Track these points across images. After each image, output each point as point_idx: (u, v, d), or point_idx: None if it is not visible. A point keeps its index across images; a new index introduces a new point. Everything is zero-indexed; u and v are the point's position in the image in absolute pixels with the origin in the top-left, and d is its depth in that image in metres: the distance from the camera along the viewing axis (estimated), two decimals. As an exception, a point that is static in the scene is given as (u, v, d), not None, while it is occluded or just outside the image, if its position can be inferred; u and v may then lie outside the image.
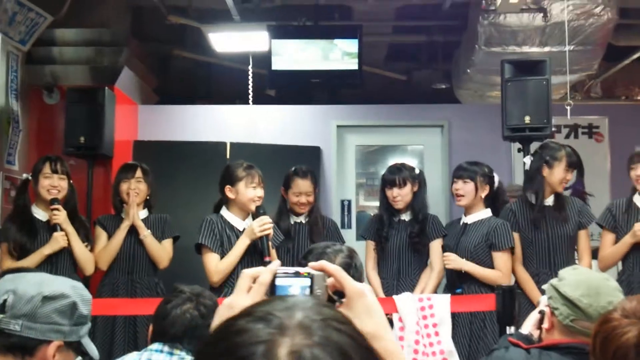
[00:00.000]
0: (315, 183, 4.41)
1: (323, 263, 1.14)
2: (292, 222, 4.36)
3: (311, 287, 1.11)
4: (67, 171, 4.20)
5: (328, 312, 0.84)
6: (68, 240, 4.08)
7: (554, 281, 2.24)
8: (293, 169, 4.41)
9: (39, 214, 4.13)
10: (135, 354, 2.25)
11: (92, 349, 1.76)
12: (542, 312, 2.29)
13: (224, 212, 3.90)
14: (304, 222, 4.38)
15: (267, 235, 3.69)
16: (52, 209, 4.07)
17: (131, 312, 4.08)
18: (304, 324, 0.79)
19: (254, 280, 1.10)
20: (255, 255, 3.78)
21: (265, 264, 3.68)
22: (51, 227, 4.09)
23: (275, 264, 1.13)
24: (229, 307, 1.07)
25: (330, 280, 1.13)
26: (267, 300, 0.90)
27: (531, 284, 4.07)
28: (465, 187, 4.12)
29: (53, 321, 1.60)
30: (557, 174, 4.11)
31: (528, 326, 2.36)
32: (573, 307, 2.13)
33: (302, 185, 4.30)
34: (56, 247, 4.03)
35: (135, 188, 4.31)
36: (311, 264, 1.14)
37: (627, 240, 3.99)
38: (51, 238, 4.04)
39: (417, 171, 4.40)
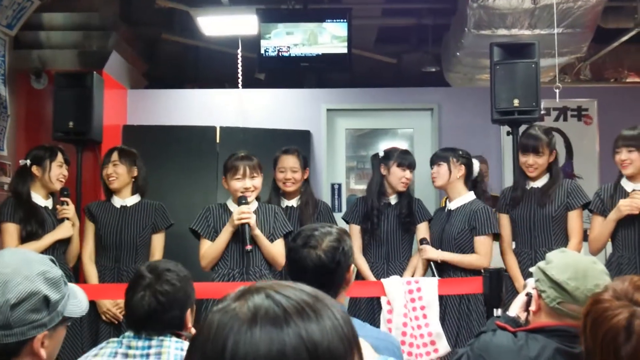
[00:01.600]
0: (304, 163, 4.43)
1: None
2: (284, 206, 4.37)
3: None
4: (69, 163, 4.32)
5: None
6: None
7: (541, 264, 2.25)
8: (282, 148, 4.48)
9: (38, 199, 4.14)
10: (116, 340, 2.26)
11: (79, 309, 1.70)
12: (529, 295, 2.31)
13: (228, 200, 4.02)
14: (295, 205, 4.39)
15: (249, 225, 3.76)
16: (62, 202, 4.18)
17: (116, 297, 4.07)
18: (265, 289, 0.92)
19: None
20: (243, 242, 3.83)
21: (246, 252, 3.75)
22: (58, 218, 4.16)
23: None
24: None
25: None
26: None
27: (517, 271, 4.12)
28: (440, 170, 4.23)
29: (29, 321, 1.53)
30: (520, 158, 4.21)
31: (515, 309, 2.38)
32: (560, 290, 2.14)
33: (286, 160, 4.36)
34: (67, 234, 4.14)
35: (112, 172, 4.26)
36: None
37: (611, 217, 4.00)
38: (62, 225, 4.14)
39: None
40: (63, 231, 4.12)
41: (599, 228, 4.09)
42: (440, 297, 3.87)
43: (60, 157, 4.18)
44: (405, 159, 4.37)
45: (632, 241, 3.99)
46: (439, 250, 4.11)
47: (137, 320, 2.26)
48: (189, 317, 2.34)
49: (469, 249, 4.10)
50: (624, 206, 3.91)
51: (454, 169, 4.19)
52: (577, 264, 2.18)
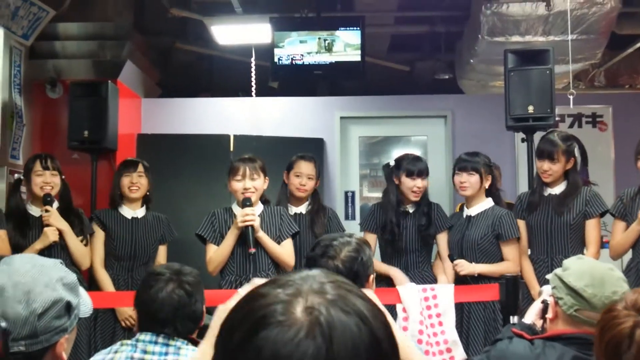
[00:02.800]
0: (318, 172, 4.39)
1: None
2: (293, 213, 4.36)
3: None
4: (58, 167, 4.22)
5: (339, 278, 0.94)
6: (62, 236, 4.11)
7: (558, 271, 2.24)
8: (298, 154, 4.43)
9: (33, 210, 4.15)
10: (129, 343, 2.22)
11: (87, 308, 1.71)
12: (545, 302, 2.29)
13: (233, 204, 4.01)
14: (304, 212, 4.37)
15: (252, 227, 3.73)
16: (43, 210, 4.09)
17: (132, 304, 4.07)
18: (317, 287, 0.89)
19: None
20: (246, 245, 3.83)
21: (249, 255, 3.74)
22: (45, 224, 4.10)
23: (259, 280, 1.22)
24: (224, 311, 1.18)
25: None
26: (286, 273, 0.99)
27: (533, 278, 4.09)
28: (471, 179, 4.12)
29: (54, 327, 1.53)
30: (536, 163, 4.16)
31: (531, 316, 2.36)
32: (577, 296, 2.13)
33: (304, 166, 4.30)
34: (47, 242, 4.05)
35: (137, 182, 4.31)
36: None
37: (634, 227, 3.93)
38: (42, 233, 4.06)
39: None
40: (42, 240, 4.04)
41: (622, 235, 4.04)
42: (464, 305, 3.85)
43: (37, 165, 4.13)
44: (413, 167, 4.23)
45: None
46: (472, 263, 4.04)
47: (166, 316, 2.21)
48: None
49: (492, 254, 4.05)
50: None
51: (485, 179, 4.14)
52: (594, 271, 2.16)
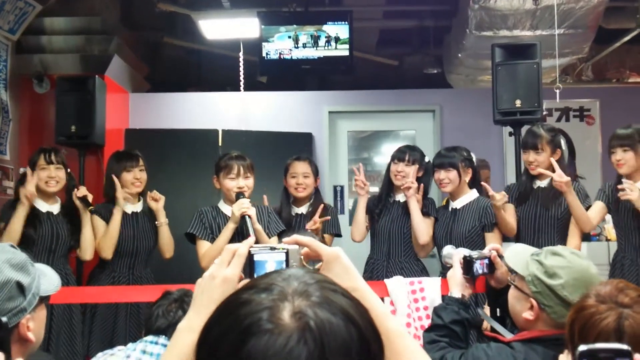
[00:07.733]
0: (315, 170, 4.40)
1: (295, 237, 1.25)
2: (294, 214, 4.37)
3: (287, 260, 1.22)
4: (63, 161, 4.19)
5: (320, 277, 0.93)
6: (83, 223, 4.17)
7: (540, 274, 2.09)
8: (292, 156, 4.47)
9: (39, 204, 4.10)
10: (130, 345, 2.28)
11: (52, 286, 1.69)
12: (467, 260, 2.33)
13: (219, 202, 4.00)
14: (305, 212, 4.37)
15: (249, 217, 3.70)
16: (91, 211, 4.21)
17: (131, 299, 4.06)
18: (301, 289, 0.88)
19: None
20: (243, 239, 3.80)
21: None
22: (52, 217, 4.11)
23: (251, 239, 1.25)
24: (210, 277, 1.18)
25: (304, 251, 1.24)
26: (265, 274, 0.96)
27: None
28: (449, 175, 4.14)
29: (9, 309, 1.52)
30: (522, 156, 4.19)
31: (457, 289, 2.36)
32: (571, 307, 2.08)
33: (298, 166, 4.33)
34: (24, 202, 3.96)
35: (140, 177, 4.30)
36: (285, 239, 1.25)
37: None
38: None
39: (426, 159, 4.42)
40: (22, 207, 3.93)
41: (596, 210, 4.12)
42: None
43: (41, 159, 4.08)
44: (398, 152, 4.35)
45: (633, 243, 4.02)
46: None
47: (160, 325, 2.30)
48: None
49: (481, 246, 4.04)
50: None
51: (463, 173, 4.16)
52: (584, 278, 2.02)
